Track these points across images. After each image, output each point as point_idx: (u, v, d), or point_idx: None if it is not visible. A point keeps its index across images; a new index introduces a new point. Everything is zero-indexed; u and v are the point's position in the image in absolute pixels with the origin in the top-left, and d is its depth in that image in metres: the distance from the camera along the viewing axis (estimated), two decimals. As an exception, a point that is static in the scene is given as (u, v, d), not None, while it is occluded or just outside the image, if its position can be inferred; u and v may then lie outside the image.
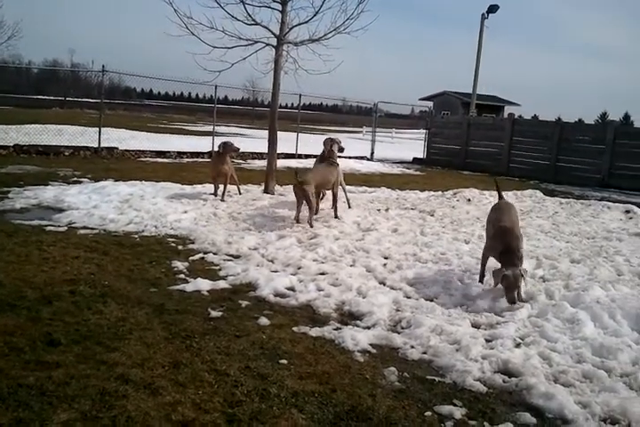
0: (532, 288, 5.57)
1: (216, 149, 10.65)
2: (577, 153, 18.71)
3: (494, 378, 3.81)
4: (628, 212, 11.10)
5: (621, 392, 3.64)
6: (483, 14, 27.35)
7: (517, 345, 4.33)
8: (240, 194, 10.33)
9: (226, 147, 9.98)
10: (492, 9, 27.41)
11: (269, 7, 10.70)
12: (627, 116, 70.75)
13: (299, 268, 6.03)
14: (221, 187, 9.96)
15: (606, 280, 5.92)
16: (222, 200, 9.60)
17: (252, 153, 18.72)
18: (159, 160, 16.72)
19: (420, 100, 47.69)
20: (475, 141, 21.65)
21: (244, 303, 4.95)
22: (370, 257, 6.55)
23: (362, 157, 22.10)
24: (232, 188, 10.32)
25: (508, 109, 42.96)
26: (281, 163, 15.10)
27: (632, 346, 4.34)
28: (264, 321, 4.56)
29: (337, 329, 4.50)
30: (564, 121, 25.21)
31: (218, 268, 5.98)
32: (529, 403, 3.52)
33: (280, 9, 10.65)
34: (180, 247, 6.69)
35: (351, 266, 6.20)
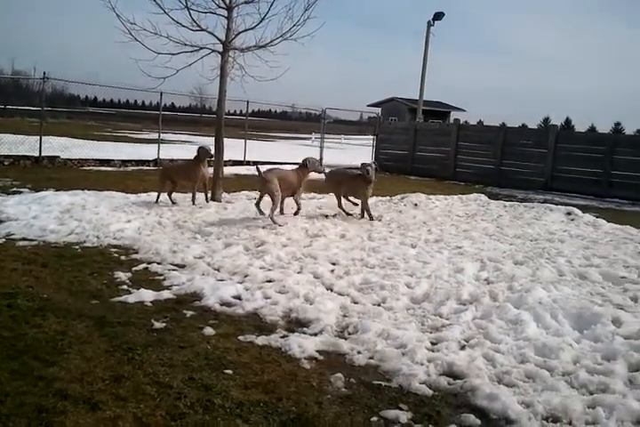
0: (477, 290, 5.64)
1: (168, 157, 10.64)
2: (520, 157, 19.14)
3: (439, 381, 3.84)
4: (569, 214, 11.42)
5: (563, 391, 3.72)
6: (428, 22, 27.85)
7: (462, 347, 4.38)
8: (207, 202, 10.35)
9: (206, 152, 10.18)
10: (438, 16, 27.96)
11: (215, 13, 10.65)
12: (568, 121, 72.79)
13: (245, 276, 5.96)
14: (192, 193, 10.28)
15: (548, 281, 6.06)
16: (194, 205, 10.03)
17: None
18: (103, 169, 16.36)
19: (369, 106, 48.06)
20: (422, 147, 21.93)
21: (189, 313, 4.86)
22: (317, 263, 6.53)
23: (311, 164, 22.09)
24: (175, 196, 10.41)
25: (453, 115, 43.64)
26: (229, 170, 14.99)
27: (573, 345, 4.44)
28: (209, 331, 4.49)
29: (284, 337, 4.46)
30: (508, 126, 25.79)
31: (162, 278, 5.86)
32: (473, 404, 3.56)
33: (226, 15, 10.61)
34: (122, 258, 6.55)
35: (299, 273, 6.17)
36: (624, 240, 9.13)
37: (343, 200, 10.05)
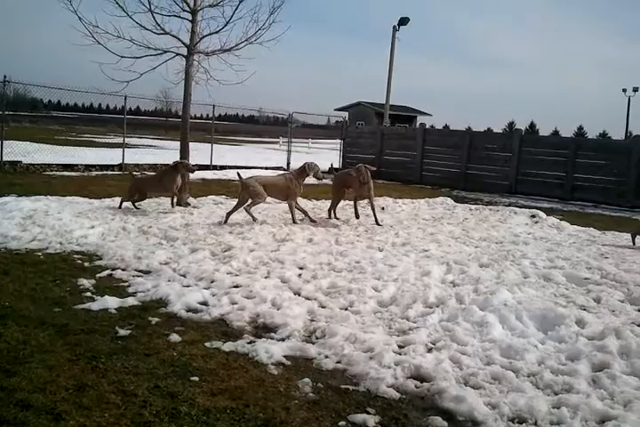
0: (443, 293, 5.68)
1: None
2: (486, 161, 19.41)
3: (407, 384, 3.84)
4: (533, 216, 11.61)
5: (528, 392, 3.76)
6: (394, 26, 28.00)
7: (429, 350, 4.40)
8: (173, 207, 10.25)
9: (186, 166, 10.20)
10: (403, 21, 28.11)
11: (179, 17, 10.59)
12: (532, 125, 74.16)
13: (212, 281, 5.91)
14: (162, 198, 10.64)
15: (513, 283, 6.13)
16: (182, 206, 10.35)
17: (164, 165, 18.31)
18: (66, 174, 16.12)
19: (336, 110, 48.07)
20: (388, 151, 22.07)
21: (155, 320, 4.79)
22: (285, 268, 6.51)
23: (278, 168, 22.08)
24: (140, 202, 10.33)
25: (420, 119, 43.96)
26: (195, 174, 14.83)
27: (538, 346, 4.50)
28: (175, 338, 4.43)
29: (251, 343, 4.43)
30: (474, 130, 26.13)
31: (127, 284, 5.77)
32: (440, 407, 3.57)
33: (190, 19, 10.56)
34: (86, 264, 6.44)
35: (266, 277, 6.14)
36: (587, 242, 9.32)
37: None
